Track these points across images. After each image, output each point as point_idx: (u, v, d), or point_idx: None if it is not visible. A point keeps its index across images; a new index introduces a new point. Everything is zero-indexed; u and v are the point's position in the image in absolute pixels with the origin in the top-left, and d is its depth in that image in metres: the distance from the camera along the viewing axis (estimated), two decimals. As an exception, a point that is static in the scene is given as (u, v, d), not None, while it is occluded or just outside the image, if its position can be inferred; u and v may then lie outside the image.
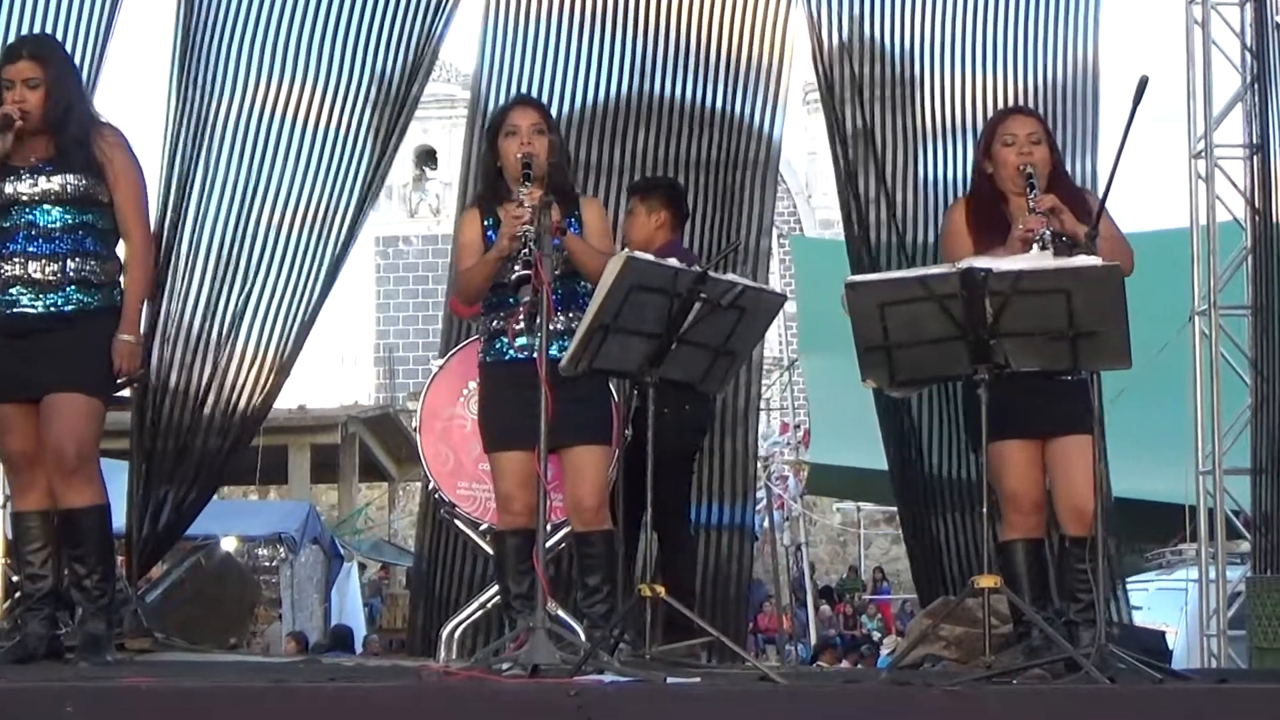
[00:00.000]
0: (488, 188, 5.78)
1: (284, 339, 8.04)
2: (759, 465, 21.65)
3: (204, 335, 8.00)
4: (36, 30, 7.64)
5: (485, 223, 5.68)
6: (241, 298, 8.03)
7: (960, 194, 6.50)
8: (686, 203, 7.52)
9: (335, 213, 8.10)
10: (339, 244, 8.11)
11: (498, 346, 5.67)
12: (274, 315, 8.04)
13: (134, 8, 8.00)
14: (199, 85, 8.12)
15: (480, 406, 5.81)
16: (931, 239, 7.98)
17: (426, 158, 39.21)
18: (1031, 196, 5.43)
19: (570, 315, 5.57)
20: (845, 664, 15.64)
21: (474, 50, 8.46)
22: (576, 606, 5.86)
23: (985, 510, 5.22)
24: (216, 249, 8.05)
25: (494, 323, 5.69)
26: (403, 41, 8.17)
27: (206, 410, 7.95)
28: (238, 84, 8.16)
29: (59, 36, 7.58)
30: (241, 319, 8.02)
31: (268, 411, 8.21)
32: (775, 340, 26.73)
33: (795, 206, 38.64)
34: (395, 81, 8.18)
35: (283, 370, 8.06)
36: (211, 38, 8.13)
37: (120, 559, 7.15)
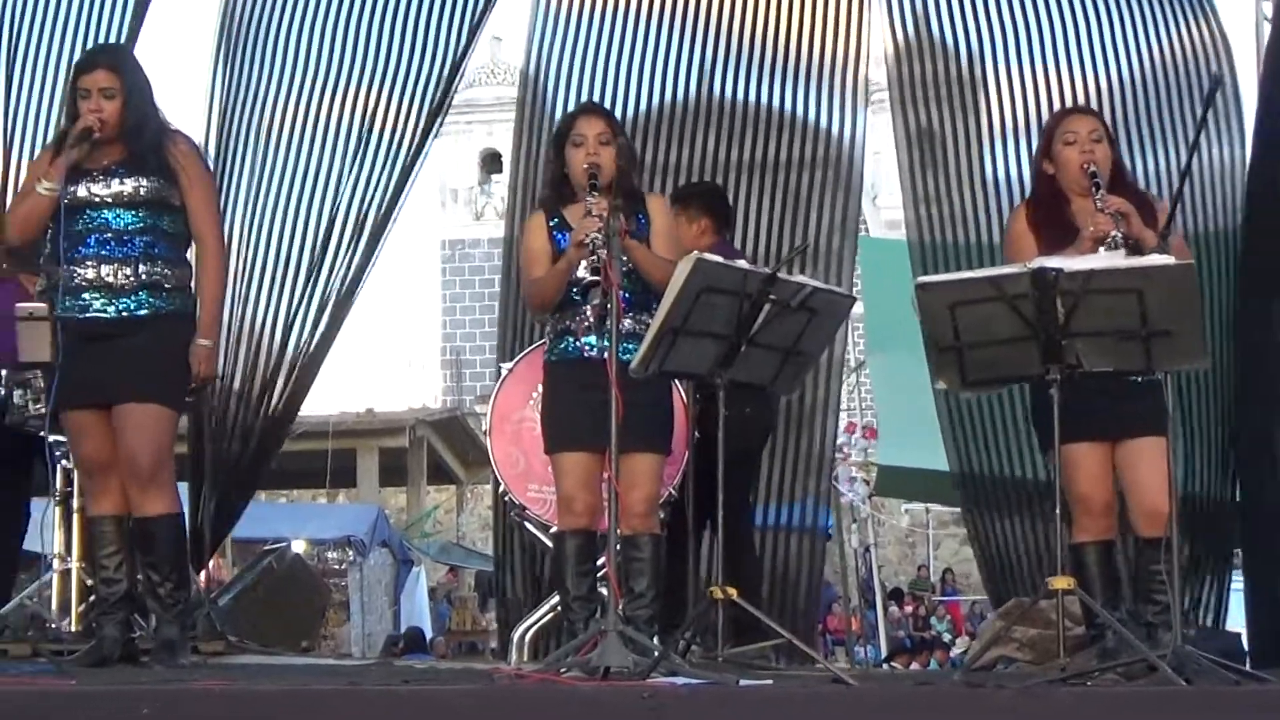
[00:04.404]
0: (554, 191, 5.79)
1: (313, 339, 8.09)
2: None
3: (242, 337, 8.05)
4: (59, 31, 7.81)
5: (551, 224, 5.70)
6: (276, 298, 8.09)
7: (1024, 195, 6.44)
8: (728, 204, 7.46)
9: (366, 214, 8.14)
10: (371, 245, 8.14)
11: (563, 346, 5.67)
12: (308, 315, 8.09)
13: (174, 8, 8.09)
14: (237, 86, 8.19)
15: (544, 406, 5.79)
16: (995, 240, 7.92)
17: (492, 161, 39.30)
18: (1098, 197, 5.37)
19: (639, 318, 5.57)
20: (916, 665, 15.57)
21: (522, 50, 8.47)
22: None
23: (1057, 511, 5.18)
24: (251, 250, 8.11)
25: (560, 323, 5.69)
26: (440, 45, 8.18)
27: (246, 411, 8.02)
28: (277, 85, 8.22)
29: (84, 38, 7.75)
30: (277, 319, 8.08)
31: (297, 411, 8.28)
32: (840, 341, 26.56)
33: (860, 207, 38.49)
34: (429, 85, 8.20)
35: (313, 370, 8.12)
36: (252, 40, 8.20)
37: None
